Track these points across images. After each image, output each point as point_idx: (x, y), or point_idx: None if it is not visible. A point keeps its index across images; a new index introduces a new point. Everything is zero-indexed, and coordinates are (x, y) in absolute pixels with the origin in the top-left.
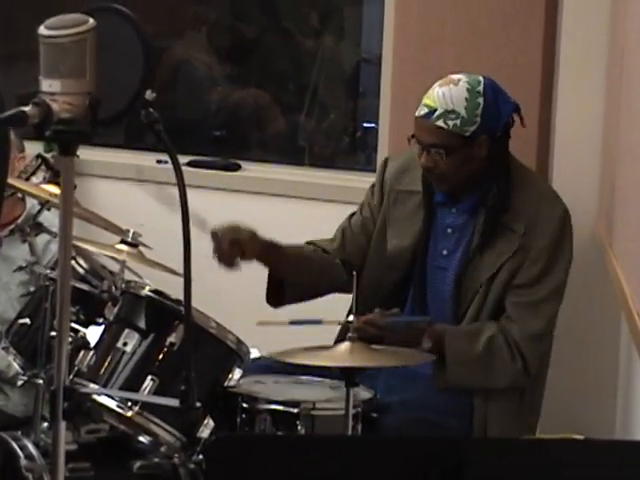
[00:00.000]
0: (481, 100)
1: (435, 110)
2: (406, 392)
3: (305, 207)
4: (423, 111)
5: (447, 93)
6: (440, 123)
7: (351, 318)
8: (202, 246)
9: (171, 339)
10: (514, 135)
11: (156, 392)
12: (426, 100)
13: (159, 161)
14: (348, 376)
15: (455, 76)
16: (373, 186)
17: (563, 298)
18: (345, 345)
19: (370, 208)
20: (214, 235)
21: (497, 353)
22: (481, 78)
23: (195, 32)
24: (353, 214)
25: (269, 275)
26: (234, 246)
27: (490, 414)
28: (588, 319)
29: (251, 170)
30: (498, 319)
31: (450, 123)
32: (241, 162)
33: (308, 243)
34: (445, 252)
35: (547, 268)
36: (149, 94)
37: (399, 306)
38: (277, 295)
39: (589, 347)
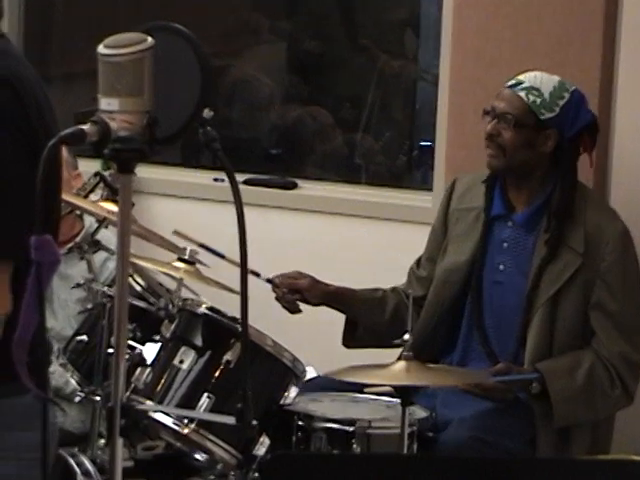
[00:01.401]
0: (567, 95)
1: (522, 82)
2: (464, 410)
3: (361, 225)
4: (511, 82)
5: (539, 75)
6: (522, 94)
7: (407, 337)
8: (259, 264)
9: (227, 357)
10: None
11: (212, 410)
12: (518, 76)
13: (216, 179)
14: (403, 395)
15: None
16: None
17: None
18: (401, 363)
19: (436, 234)
20: (272, 284)
21: (597, 383)
22: (574, 86)
23: (255, 50)
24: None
25: (345, 318)
26: (294, 293)
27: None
28: None
29: (308, 188)
30: (582, 342)
31: (530, 97)
32: (298, 180)
33: (392, 289)
34: (502, 267)
35: (622, 280)
36: (207, 113)
37: (456, 322)
38: (351, 336)
39: None
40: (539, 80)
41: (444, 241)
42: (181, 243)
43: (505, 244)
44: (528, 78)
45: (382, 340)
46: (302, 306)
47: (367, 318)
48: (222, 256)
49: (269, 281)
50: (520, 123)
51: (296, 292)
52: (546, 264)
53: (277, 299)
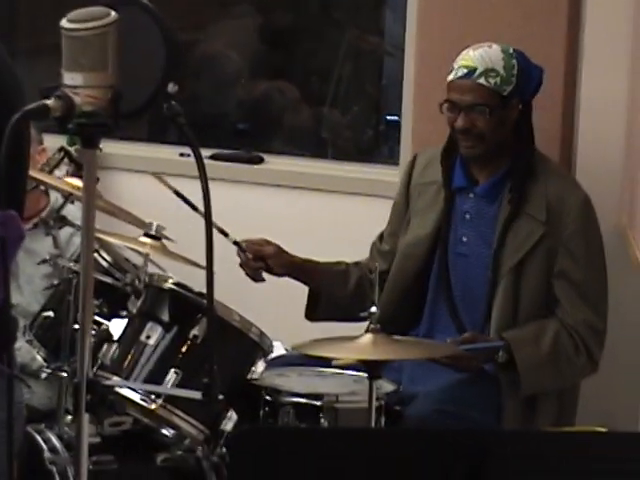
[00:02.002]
0: (515, 62)
1: (475, 69)
2: (430, 383)
3: (328, 200)
4: (461, 72)
5: (484, 54)
6: (482, 81)
7: (373, 309)
8: (225, 239)
9: (194, 332)
10: (537, 129)
11: (179, 385)
12: (462, 62)
13: (182, 154)
14: (371, 369)
15: (483, 43)
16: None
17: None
18: (368, 337)
19: (398, 209)
20: (238, 247)
21: (562, 350)
22: (510, 46)
23: (221, 25)
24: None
25: (308, 290)
26: (258, 260)
27: (523, 413)
28: (612, 310)
29: (274, 163)
30: (546, 310)
31: (492, 81)
32: (264, 155)
33: (355, 263)
34: (465, 239)
35: (585, 248)
36: (171, 87)
37: (420, 295)
38: (314, 309)
39: (613, 337)
40: (488, 59)
41: (406, 215)
42: (144, 187)
43: (467, 215)
44: (478, 61)
45: (345, 313)
46: (272, 281)
47: (330, 291)
48: (195, 208)
49: (236, 243)
50: (492, 109)
51: (261, 260)
52: (508, 231)
53: (241, 265)
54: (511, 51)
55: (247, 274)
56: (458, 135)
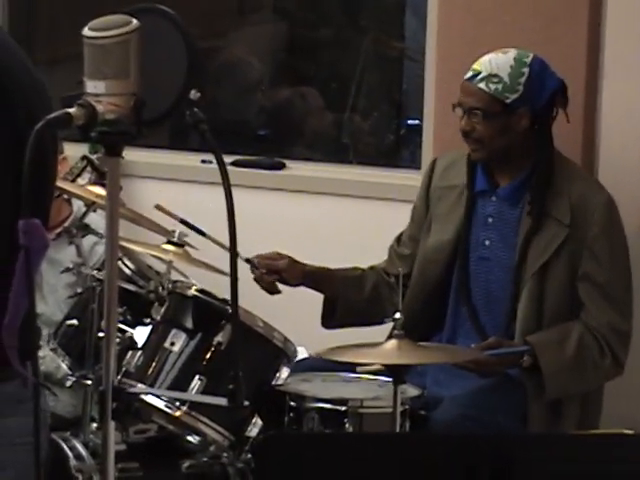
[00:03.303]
0: (526, 70)
1: (479, 73)
2: (454, 388)
3: (350, 205)
4: (469, 74)
5: (494, 59)
6: (482, 85)
7: (397, 315)
8: (249, 245)
9: (218, 338)
10: (559, 132)
11: (204, 391)
12: (474, 65)
13: (204, 161)
14: (395, 373)
15: (505, 49)
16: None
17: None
18: (392, 342)
19: (418, 213)
20: (250, 264)
21: (587, 353)
22: (531, 53)
23: (242, 31)
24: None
25: (324, 299)
26: (272, 274)
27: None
28: (637, 312)
29: (296, 168)
30: (571, 313)
31: (492, 87)
32: (286, 161)
33: (371, 268)
34: (487, 242)
35: (609, 250)
36: (194, 94)
37: (443, 300)
38: (330, 317)
39: (638, 340)
40: (495, 65)
41: (427, 219)
42: (162, 219)
43: (490, 219)
44: (483, 66)
45: (362, 319)
46: (293, 288)
47: (345, 297)
48: (202, 233)
49: (248, 261)
50: (489, 114)
51: (274, 273)
52: (532, 236)
53: (255, 280)
54: (527, 59)
55: (262, 288)
56: (462, 137)
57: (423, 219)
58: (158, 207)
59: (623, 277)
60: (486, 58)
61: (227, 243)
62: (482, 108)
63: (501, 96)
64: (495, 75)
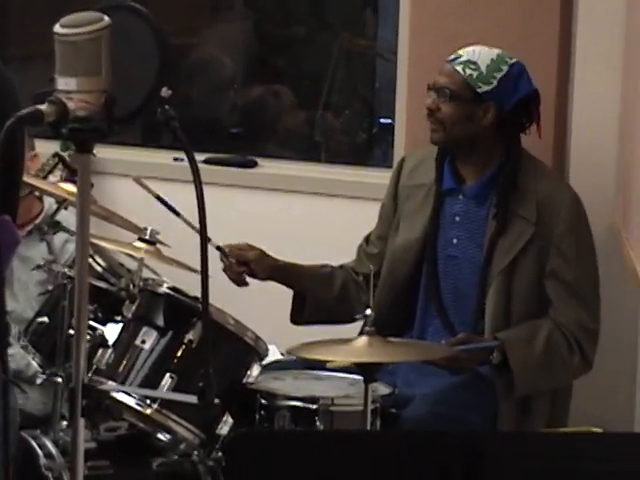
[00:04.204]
0: (505, 68)
1: (460, 56)
2: (425, 386)
3: (322, 203)
4: (451, 57)
5: (478, 49)
6: (458, 68)
7: (368, 312)
8: (219, 242)
9: (189, 336)
10: (531, 132)
11: (175, 389)
12: (459, 50)
13: (176, 159)
14: (366, 372)
15: (495, 48)
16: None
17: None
18: (363, 340)
19: (386, 211)
20: (221, 252)
21: (555, 350)
22: (516, 58)
23: (215, 29)
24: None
25: (293, 293)
26: (241, 265)
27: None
28: (605, 312)
29: (268, 167)
30: (539, 311)
31: (467, 71)
32: (258, 159)
33: (340, 267)
34: (455, 241)
35: (576, 247)
36: (165, 91)
37: (412, 298)
38: (299, 313)
39: (607, 339)
40: (477, 54)
41: (395, 218)
42: (138, 192)
43: (457, 217)
44: (467, 52)
45: (330, 316)
46: (266, 284)
47: (314, 294)
48: (177, 213)
49: (219, 248)
50: (456, 96)
51: (244, 264)
52: (497, 237)
53: (224, 270)
54: (509, 60)
55: (230, 278)
56: (426, 116)
57: (391, 218)
58: (136, 180)
59: (590, 275)
60: (472, 47)
61: (198, 243)
62: (452, 89)
63: (474, 83)
64: (474, 62)
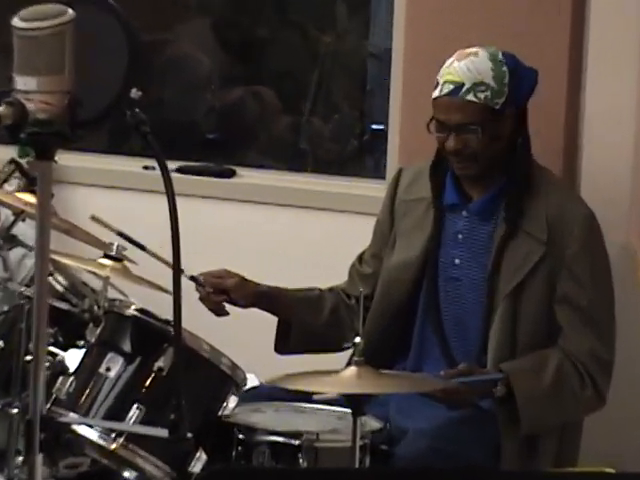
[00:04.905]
0: (506, 69)
1: (462, 85)
2: (420, 419)
3: (307, 218)
4: (447, 89)
5: (471, 65)
6: (471, 97)
7: (357, 340)
8: (194, 261)
9: (159, 363)
10: (539, 139)
11: (143, 422)
12: (447, 77)
13: (146, 167)
14: (355, 404)
15: (469, 49)
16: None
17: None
18: (351, 370)
19: (381, 228)
20: (196, 282)
21: (565, 382)
22: (495, 48)
23: (191, 24)
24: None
25: (277, 322)
26: (220, 294)
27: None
28: (619, 340)
29: (248, 176)
30: (548, 339)
31: (481, 96)
32: (237, 168)
33: (330, 289)
34: (458, 261)
35: (589, 270)
36: (135, 92)
37: (408, 324)
38: (284, 341)
39: (621, 370)
40: (475, 71)
41: (391, 235)
42: (98, 231)
43: (460, 236)
44: (464, 75)
45: (319, 344)
46: (243, 309)
47: (301, 320)
48: (143, 248)
49: (193, 279)
50: (484, 127)
51: (222, 292)
52: (504, 254)
53: (201, 299)
54: (500, 57)
55: (209, 309)
56: (449, 157)
57: (387, 235)
58: (94, 218)
59: (606, 300)
60: (461, 66)
61: (170, 258)
62: (477, 122)
63: (491, 103)
64: (481, 83)
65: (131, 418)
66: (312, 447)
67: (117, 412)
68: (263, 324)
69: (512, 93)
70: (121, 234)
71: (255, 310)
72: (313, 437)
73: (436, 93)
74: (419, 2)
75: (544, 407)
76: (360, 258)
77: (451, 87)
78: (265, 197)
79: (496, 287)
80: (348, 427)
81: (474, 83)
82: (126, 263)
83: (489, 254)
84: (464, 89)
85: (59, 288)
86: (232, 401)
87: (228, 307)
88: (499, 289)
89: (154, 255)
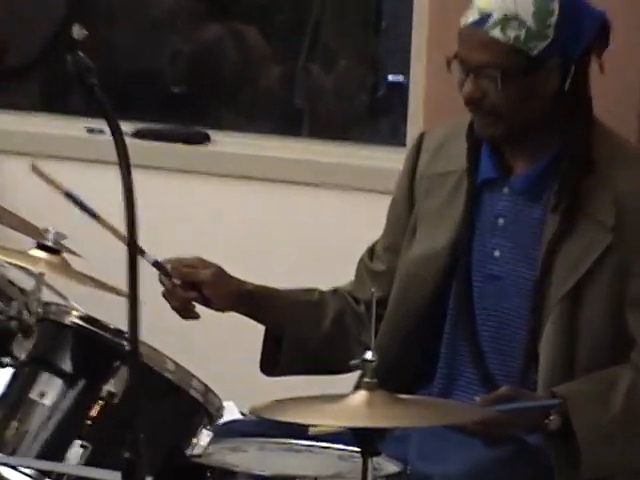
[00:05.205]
0: (556, 6)
1: (490, 15)
2: (449, 461)
3: (303, 196)
4: (473, 17)
5: None
6: (496, 33)
7: (369, 356)
8: (156, 249)
9: (109, 387)
10: (605, 96)
11: (88, 462)
12: (479, 2)
13: (91, 130)
14: (365, 440)
15: None
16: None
17: None
18: (360, 395)
19: (398, 211)
20: (160, 269)
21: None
22: None
23: None
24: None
25: (265, 332)
26: (190, 289)
27: None
28: None
29: (225, 143)
30: (617, 354)
31: (511, 34)
32: (211, 132)
33: (333, 291)
34: (497, 253)
35: None
36: (78, 31)
37: (433, 336)
38: (273, 359)
39: None
40: (510, 1)
41: (410, 221)
42: (37, 184)
43: (501, 220)
44: (495, 4)
45: (317, 364)
46: (220, 316)
47: (296, 331)
48: (95, 215)
49: (157, 265)
50: (509, 74)
51: (194, 288)
52: (559, 244)
53: (165, 295)
54: None
55: (174, 308)
56: (467, 107)
57: (405, 220)
58: (34, 168)
59: None
60: None
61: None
62: (499, 65)
63: (524, 46)
64: (514, 17)
65: (72, 458)
66: None
67: (54, 450)
68: (245, 335)
69: (559, 38)
70: (69, 195)
71: (236, 315)
72: None
73: (461, 22)
74: None
75: (612, 444)
76: (371, 251)
77: (477, 17)
78: (248, 170)
79: (548, 287)
80: (356, 471)
81: (505, 16)
82: (66, 255)
83: (539, 244)
84: (491, 21)
85: None
86: (204, 436)
87: (200, 309)
88: (552, 289)
89: (110, 227)
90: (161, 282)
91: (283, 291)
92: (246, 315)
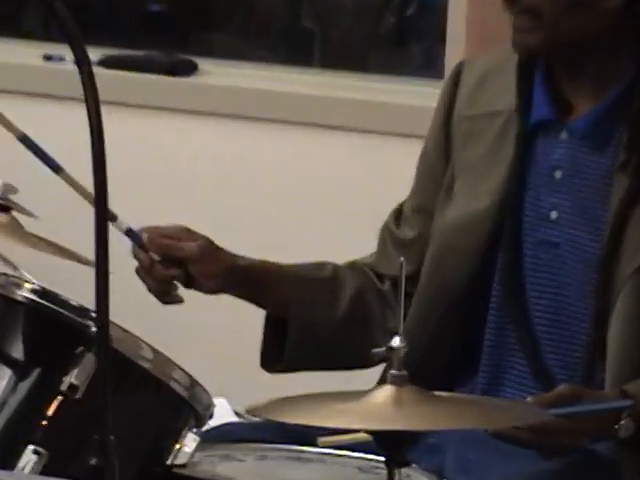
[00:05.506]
0: None
1: None
2: (494, 474)
3: (315, 140)
4: None
5: None
6: None
7: (396, 342)
8: (130, 209)
9: (71, 379)
10: None
11: (44, 472)
12: None
13: (49, 57)
14: (391, 448)
15: None
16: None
17: None
18: (385, 391)
19: (430, 162)
20: (134, 240)
21: None
22: None
23: None
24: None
25: (266, 317)
26: (171, 266)
27: None
28: None
29: (216, 74)
30: None
31: None
32: (199, 60)
33: (351, 264)
34: (555, 215)
35: None
36: None
37: (475, 318)
38: (276, 351)
39: None
40: None
41: (446, 174)
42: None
43: (558, 173)
44: None
45: (330, 357)
46: (213, 299)
47: (305, 315)
48: (57, 168)
49: (130, 233)
50: None
51: (176, 263)
52: (631, 206)
53: (140, 273)
54: None
55: (150, 289)
56: (504, 5)
57: (439, 174)
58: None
59: None
60: None
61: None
62: None
63: None
64: None
65: (25, 466)
66: None
67: (1, 457)
68: (242, 316)
69: None
70: (24, 139)
71: (228, 297)
72: None
73: None
74: None
75: None
76: (397, 215)
77: None
78: (246, 107)
79: (618, 258)
80: None
81: None
82: (17, 214)
83: (605, 206)
84: None
85: None
86: (190, 441)
87: (182, 291)
88: (622, 261)
89: (74, 184)
90: (135, 256)
91: (286, 266)
92: (241, 297)
